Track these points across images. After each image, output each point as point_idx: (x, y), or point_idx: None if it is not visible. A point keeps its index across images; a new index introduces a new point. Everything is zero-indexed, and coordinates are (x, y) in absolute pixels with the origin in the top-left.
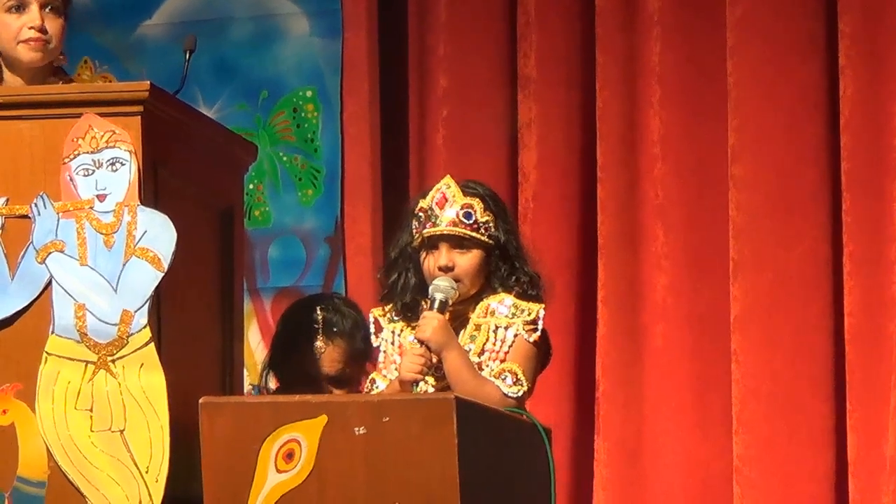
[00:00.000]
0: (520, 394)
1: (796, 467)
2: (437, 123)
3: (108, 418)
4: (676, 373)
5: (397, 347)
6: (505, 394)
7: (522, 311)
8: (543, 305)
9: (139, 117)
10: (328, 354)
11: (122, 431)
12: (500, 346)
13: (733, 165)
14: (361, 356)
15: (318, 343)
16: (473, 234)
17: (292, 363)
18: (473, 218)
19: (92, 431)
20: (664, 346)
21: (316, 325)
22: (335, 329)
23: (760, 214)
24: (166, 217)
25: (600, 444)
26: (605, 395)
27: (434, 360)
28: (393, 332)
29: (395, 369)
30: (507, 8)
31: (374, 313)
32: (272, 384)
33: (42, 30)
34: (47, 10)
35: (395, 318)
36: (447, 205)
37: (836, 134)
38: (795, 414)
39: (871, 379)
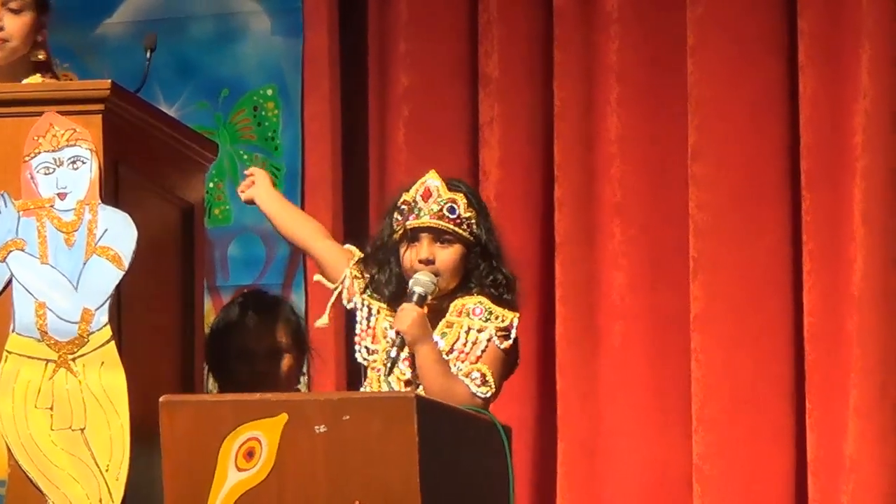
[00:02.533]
0: (488, 395)
1: (756, 466)
2: (397, 122)
3: (69, 417)
4: (634, 371)
5: (371, 329)
6: (474, 393)
7: (497, 316)
8: (518, 314)
9: (100, 116)
10: (263, 325)
11: (82, 430)
12: (472, 349)
13: (694, 164)
14: (297, 329)
15: (251, 316)
16: (456, 228)
17: (227, 345)
18: (457, 213)
19: (52, 430)
20: (622, 344)
21: (243, 304)
22: (268, 302)
23: (721, 213)
24: (127, 215)
25: (560, 443)
26: (563, 393)
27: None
28: (369, 309)
29: (368, 353)
30: (468, 6)
31: (352, 270)
32: (212, 386)
33: None
34: (6, 8)
35: (376, 297)
36: (431, 198)
37: (795, 133)
38: (755, 413)
39: (830, 378)
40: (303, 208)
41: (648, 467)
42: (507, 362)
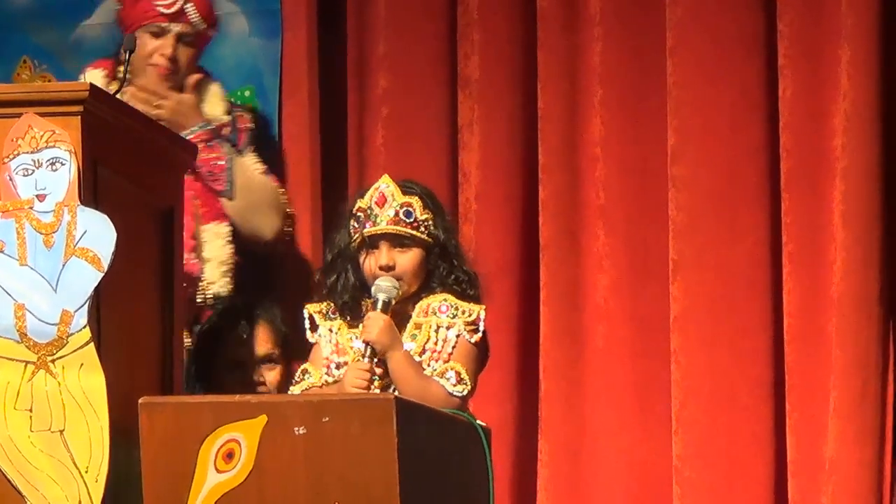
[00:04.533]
0: (464, 392)
1: (736, 467)
2: (376, 123)
3: (48, 418)
4: (618, 373)
5: (334, 345)
6: (450, 392)
7: (463, 311)
8: (484, 307)
9: (79, 117)
10: (254, 336)
11: (61, 432)
12: (443, 347)
13: (673, 166)
14: (286, 339)
15: (243, 326)
16: (414, 232)
17: (219, 352)
18: (413, 216)
19: (31, 432)
20: (605, 346)
21: (234, 313)
22: (257, 312)
23: (700, 214)
24: (106, 217)
25: (542, 445)
26: (547, 395)
27: (378, 371)
28: (330, 331)
29: (336, 368)
30: (448, 7)
31: (310, 309)
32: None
33: None
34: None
35: (332, 316)
36: (387, 204)
37: (775, 134)
38: (735, 414)
39: (810, 379)
40: None
41: (631, 469)
42: (479, 356)
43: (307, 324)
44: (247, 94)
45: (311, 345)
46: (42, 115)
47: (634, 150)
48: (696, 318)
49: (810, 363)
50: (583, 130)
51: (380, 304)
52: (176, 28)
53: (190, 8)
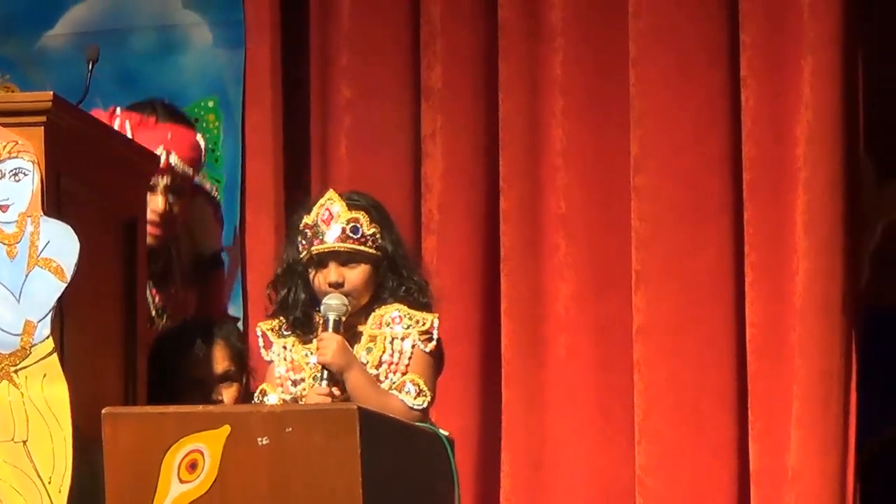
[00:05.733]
0: (424, 405)
1: (699, 477)
2: (339, 133)
3: (11, 429)
4: (580, 383)
5: (289, 362)
6: (410, 407)
7: (417, 321)
8: (437, 315)
9: (42, 128)
10: (211, 354)
11: (24, 442)
12: (400, 359)
13: (636, 176)
14: (241, 356)
15: (198, 344)
16: (361, 247)
17: (175, 371)
18: (360, 232)
19: None
20: (567, 356)
21: (190, 332)
22: (212, 330)
23: (663, 225)
24: (69, 227)
25: (504, 455)
26: (508, 405)
27: (336, 392)
28: (284, 348)
29: (292, 385)
30: (411, 18)
31: (262, 327)
32: None
33: None
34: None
35: (286, 333)
36: (333, 220)
37: (738, 145)
38: (698, 424)
39: (773, 389)
40: (243, 220)
41: (593, 479)
42: (436, 364)
43: (260, 342)
44: (210, 104)
45: (267, 362)
46: (5, 125)
47: (596, 160)
48: (658, 329)
49: (773, 373)
50: (545, 140)
51: (331, 324)
52: (164, 181)
53: (174, 159)
